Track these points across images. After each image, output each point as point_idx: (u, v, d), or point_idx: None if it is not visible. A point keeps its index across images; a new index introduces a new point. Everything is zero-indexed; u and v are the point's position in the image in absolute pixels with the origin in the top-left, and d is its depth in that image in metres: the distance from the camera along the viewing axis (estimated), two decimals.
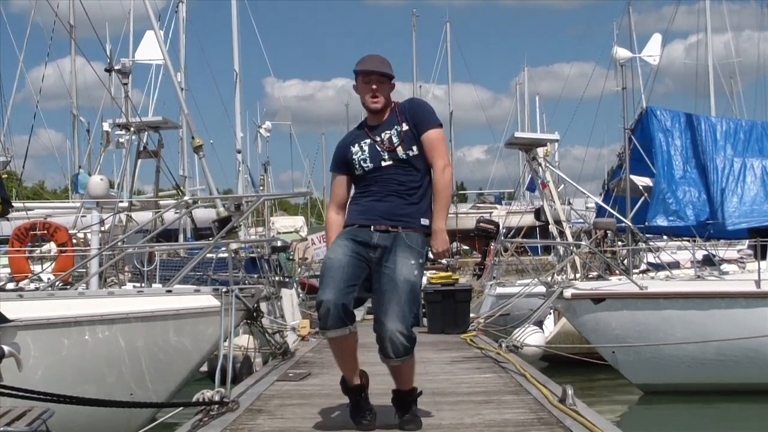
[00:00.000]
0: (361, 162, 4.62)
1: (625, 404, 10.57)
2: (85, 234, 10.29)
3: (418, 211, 4.58)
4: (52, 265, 9.38)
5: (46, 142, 44.66)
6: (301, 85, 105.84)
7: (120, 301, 6.88)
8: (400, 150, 4.58)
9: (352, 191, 4.76)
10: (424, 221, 4.58)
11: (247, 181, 23.55)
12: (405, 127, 4.62)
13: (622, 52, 20.46)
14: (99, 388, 6.28)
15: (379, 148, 4.61)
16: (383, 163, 4.59)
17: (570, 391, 5.17)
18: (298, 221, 33.79)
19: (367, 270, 4.50)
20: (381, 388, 5.66)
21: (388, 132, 4.62)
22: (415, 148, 4.60)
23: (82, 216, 11.35)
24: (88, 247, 9.65)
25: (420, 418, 4.67)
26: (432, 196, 4.61)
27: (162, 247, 10.52)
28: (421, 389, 4.86)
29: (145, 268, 9.26)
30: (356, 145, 4.66)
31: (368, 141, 4.64)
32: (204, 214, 13.68)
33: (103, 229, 9.43)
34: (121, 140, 11.37)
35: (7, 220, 10.66)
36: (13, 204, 10.22)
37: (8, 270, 10.23)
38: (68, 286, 8.38)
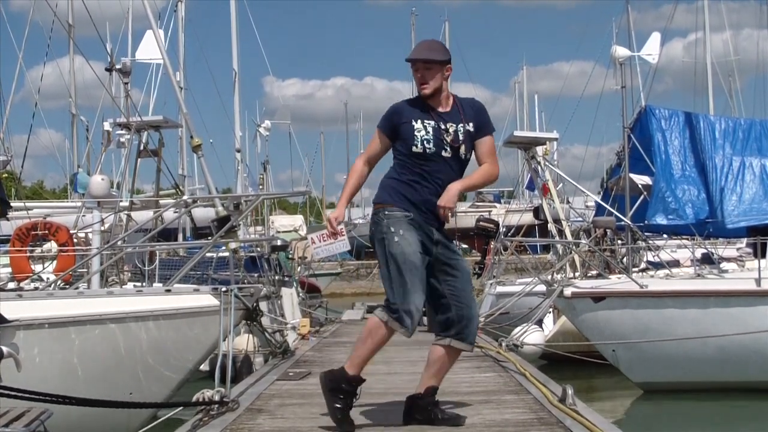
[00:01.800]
0: (425, 142, 4.55)
1: (625, 403, 10.57)
2: (86, 234, 10.28)
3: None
4: (54, 265, 9.37)
5: (46, 141, 44.64)
6: (301, 84, 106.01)
7: (119, 301, 6.88)
8: (462, 149, 4.61)
9: (398, 167, 4.67)
10: None
11: (247, 180, 23.55)
12: (471, 126, 4.64)
13: (621, 51, 20.45)
14: (98, 387, 6.26)
15: (443, 137, 4.57)
16: (443, 153, 4.57)
17: (570, 391, 5.16)
18: (297, 220, 33.80)
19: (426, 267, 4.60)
20: (381, 387, 5.66)
21: (454, 125, 4.60)
22: (471, 152, 4.67)
23: (83, 216, 11.34)
24: (89, 247, 9.64)
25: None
26: None
27: (161, 246, 10.50)
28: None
29: (146, 267, 9.24)
30: (420, 121, 4.58)
31: (433, 124, 4.58)
32: (203, 214, 13.67)
33: (103, 228, 9.41)
34: (122, 140, 11.35)
35: (7, 219, 10.65)
36: (11, 204, 10.21)
37: (8, 270, 10.23)
38: (68, 286, 8.37)
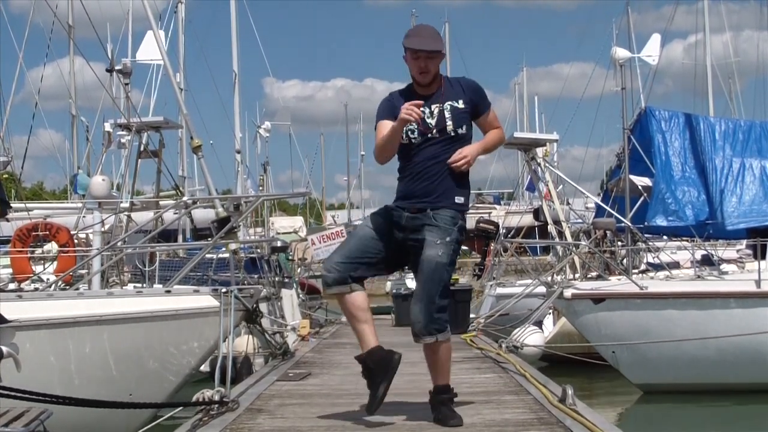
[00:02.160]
0: (409, 132, 4.57)
1: (625, 404, 10.57)
2: (87, 234, 10.28)
3: (452, 188, 4.59)
4: (54, 266, 9.37)
5: (46, 142, 44.64)
6: (301, 85, 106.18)
7: (119, 302, 6.87)
8: (449, 126, 4.58)
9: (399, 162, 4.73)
10: (459, 199, 4.61)
11: (247, 181, 23.55)
12: (461, 104, 4.63)
13: (621, 52, 20.46)
14: (98, 388, 6.26)
15: (429, 121, 4.58)
16: (429, 135, 4.57)
17: (570, 391, 5.16)
18: (297, 221, 33.79)
19: (386, 251, 4.63)
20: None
21: (440, 105, 4.60)
22: (464, 127, 4.64)
23: (83, 217, 11.34)
24: (89, 248, 9.64)
25: (460, 416, 4.64)
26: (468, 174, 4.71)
27: (161, 247, 10.51)
28: (456, 391, 4.84)
29: (147, 268, 9.24)
30: None
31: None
32: (203, 215, 13.67)
33: (103, 229, 9.42)
34: (122, 140, 11.35)
35: (7, 220, 10.66)
36: (11, 205, 10.21)
37: (8, 270, 10.23)
38: (68, 287, 8.37)
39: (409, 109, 4.39)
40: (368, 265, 4.64)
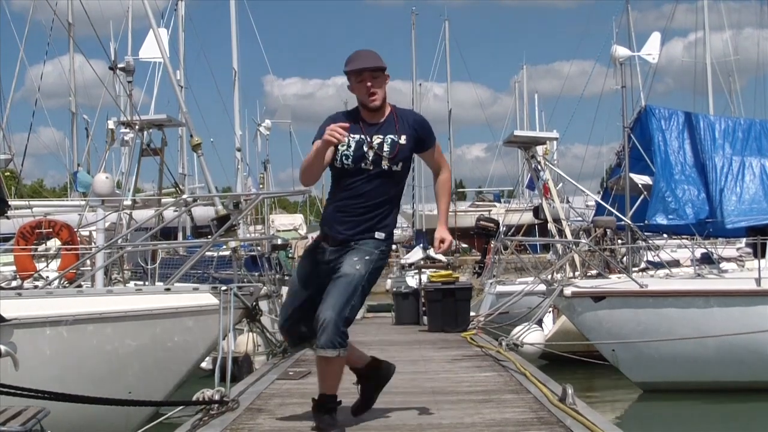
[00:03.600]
0: (343, 157, 4.43)
1: (625, 402, 10.57)
2: (90, 232, 10.28)
3: (377, 224, 4.48)
4: (59, 263, 9.37)
5: (47, 140, 44.57)
6: (301, 83, 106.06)
7: (119, 300, 6.87)
8: (385, 162, 4.44)
9: (329, 187, 4.69)
10: (379, 235, 4.48)
11: (246, 179, 23.54)
12: (403, 139, 4.48)
13: (621, 51, 20.39)
14: (98, 386, 6.26)
15: (365, 149, 4.42)
16: (363, 166, 4.43)
17: (570, 390, 5.16)
18: (297, 219, 33.79)
19: (317, 288, 4.49)
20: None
21: (382, 136, 4.46)
22: (401, 164, 4.49)
23: (87, 214, 11.35)
24: (90, 245, 9.64)
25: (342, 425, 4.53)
26: (398, 208, 4.66)
27: (161, 245, 10.51)
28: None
29: (149, 266, 9.24)
30: (347, 136, 4.38)
31: (358, 138, 4.44)
32: (203, 212, 13.67)
33: (107, 227, 9.41)
34: (126, 138, 11.35)
35: (7, 217, 10.64)
36: (9, 203, 10.18)
37: (8, 268, 10.21)
38: (70, 284, 8.36)
39: (333, 130, 4.22)
40: (310, 310, 4.46)
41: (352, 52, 4.53)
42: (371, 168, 4.45)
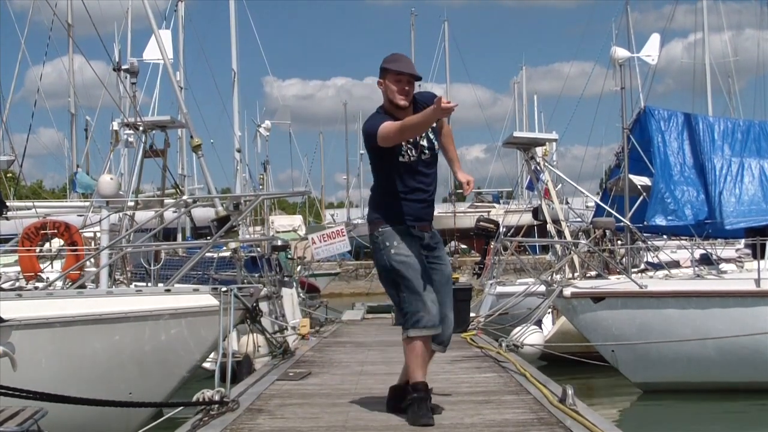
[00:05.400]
0: (409, 150, 4.79)
1: (625, 403, 10.57)
2: (95, 233, 10.27)
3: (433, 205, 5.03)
4: (63, 264, 9.37)
5: (47, 140, 44.62)
6: (301, 84, 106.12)
7: (119, 301, 6.87)
8: (436, 145, 4.91)
9: (383, 180, 4.90)
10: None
11: (246, 179, 23.54)
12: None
13: (620, 52, 20.38)
14: (97, 387, 6.26)
15: (422, 142, 4.83)
16: (423, 156, 4.84)
17: (570, 391, 5.17)
18: (297, 220, 33.81)
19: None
20: (382, 387, 5.66)
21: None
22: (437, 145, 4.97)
23: (90, 215, 11.35)
24: (92, 246, 9.63)
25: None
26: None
27: (161, 246, 10.51)
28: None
29: (152, 267, 9.23)
30: None
31: None
32: (203, 213, 13.68)
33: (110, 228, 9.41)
34: (129, 139, 11.35)
35: (6, 218, 10.64)
36: (7, 205, 10.19)
37: (8, 269, 10.22)
38: (73, 284, 8.36)
39: (449, 102, 4.45)
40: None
41: (392, 53, 4.89)
42: (428, 155, 4.88)
